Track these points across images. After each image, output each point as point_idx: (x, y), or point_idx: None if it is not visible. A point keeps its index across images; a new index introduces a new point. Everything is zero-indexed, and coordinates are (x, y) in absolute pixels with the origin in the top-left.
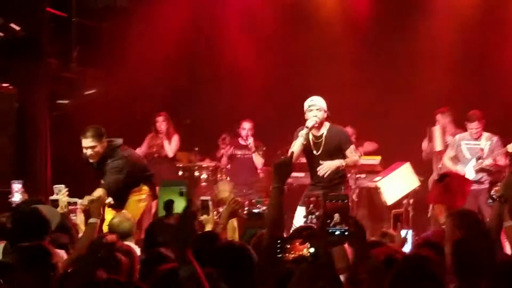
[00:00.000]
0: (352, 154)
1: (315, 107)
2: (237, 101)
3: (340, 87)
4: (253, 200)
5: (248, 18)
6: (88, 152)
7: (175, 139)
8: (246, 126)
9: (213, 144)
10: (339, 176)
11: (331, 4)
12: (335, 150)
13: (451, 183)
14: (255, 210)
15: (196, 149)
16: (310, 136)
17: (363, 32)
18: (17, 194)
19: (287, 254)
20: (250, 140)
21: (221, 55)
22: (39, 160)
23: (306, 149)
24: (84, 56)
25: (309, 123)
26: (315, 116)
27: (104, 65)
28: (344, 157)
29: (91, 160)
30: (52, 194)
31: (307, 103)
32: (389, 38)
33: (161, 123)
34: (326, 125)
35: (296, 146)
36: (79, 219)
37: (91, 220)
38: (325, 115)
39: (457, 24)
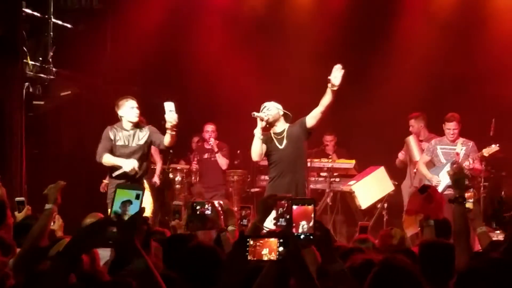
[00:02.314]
0: (314, 110)
1: (266, 108)
2: (211, 103)
3: (313, 92)
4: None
5: (222, 22)
6: (136, 112)
7: None
8: (209, 129)
9: (187, 146)
10: (302, 170)
11: (306, 8)
12: (298, 137)
13: (433, 194)
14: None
15: (171, 151)
16: (272, 135)
17: (338, 37)
18: None
19: (253, 255)
20: (212, 141)
21: (196, 57)
22: (14, 160)
23: (271, 147)
24: (59, 57)
25: (259, 115)
26: (267, 115)
27: (79, 67)
28: (304, 142)
29: (134, 120)
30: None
31: (261, 108)
32: (364, 43)
33: None
34: (285, 124)
35: (255, 143)
36: (56, 225)
37: (47, 206)
38: (280, 112)
39: (433, 29)
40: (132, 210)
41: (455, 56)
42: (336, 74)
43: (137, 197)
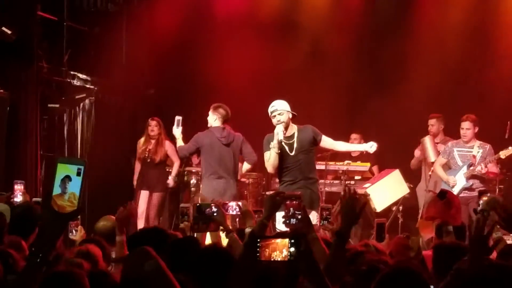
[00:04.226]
0: (334, 141)
1: (277, 112)
2: (227, 105)
3: (329, 94)
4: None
5: (237, 24)
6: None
7: (168, 144)
8: None
9: None
10: (314, 173)
11: (322, 10)
12: (309, 145)
13: (452, 200)
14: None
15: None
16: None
17: (354, 39)
18: (19, 194)
19: (264, 256)
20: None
21: (211, 60)
22: (29, 163)
23: (280, 152)
24: (74, 60)
25: (279, 135)
26: (279, 120)
27: (94, 70)
28: (314, 149)
29: None
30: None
31: (269, 109)
32: (381, 45)
33: (154, 127)
34: (294, 126)
35: (273, 158)
36: (78, 235)
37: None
38: (290, 115)
39: (450, 31)
40: (72, 187)
41: (471, 59)
42: (374, 148)
43: (79, 173)
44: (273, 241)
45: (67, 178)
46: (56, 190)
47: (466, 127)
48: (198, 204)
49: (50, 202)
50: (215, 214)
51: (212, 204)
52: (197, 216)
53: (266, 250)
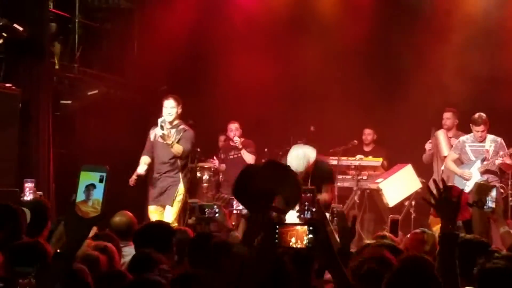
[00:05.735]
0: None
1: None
2: (238, 102)
3: (343, 89)
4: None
5: (249, 21)
6: (167, 112)
7: None
8: (233, 127)
9: (215, 145)
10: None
11: (332, 5)
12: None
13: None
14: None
15: (198, 149)
16: None
17: (365, 32)
18: (29, 193)
19: (282, 242)
20: (236, 139)
21: (223, 56)
22: (41, 160)
23: None
24: (86, 56)
25: None
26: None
27: (106, 66)
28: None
29: (166, 119)
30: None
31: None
32: (393, 40)
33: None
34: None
35: None
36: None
37: None
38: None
39: (466, 27)
40: (95, 194)
41: (484, 54)
42: None
43: (101, 180)
44: (292, 228)
45: (92, 186)
46: (80, 197)
47: (481, 130)
48: (200, 205)
49: (74, 208)
50: (217, 215)
51: (215, 205)
52: (199, 217)
53: (286, 236)
